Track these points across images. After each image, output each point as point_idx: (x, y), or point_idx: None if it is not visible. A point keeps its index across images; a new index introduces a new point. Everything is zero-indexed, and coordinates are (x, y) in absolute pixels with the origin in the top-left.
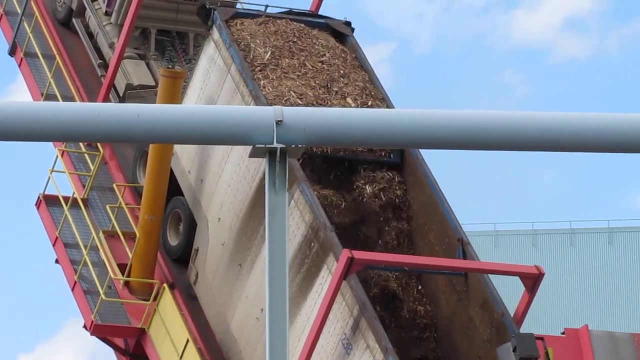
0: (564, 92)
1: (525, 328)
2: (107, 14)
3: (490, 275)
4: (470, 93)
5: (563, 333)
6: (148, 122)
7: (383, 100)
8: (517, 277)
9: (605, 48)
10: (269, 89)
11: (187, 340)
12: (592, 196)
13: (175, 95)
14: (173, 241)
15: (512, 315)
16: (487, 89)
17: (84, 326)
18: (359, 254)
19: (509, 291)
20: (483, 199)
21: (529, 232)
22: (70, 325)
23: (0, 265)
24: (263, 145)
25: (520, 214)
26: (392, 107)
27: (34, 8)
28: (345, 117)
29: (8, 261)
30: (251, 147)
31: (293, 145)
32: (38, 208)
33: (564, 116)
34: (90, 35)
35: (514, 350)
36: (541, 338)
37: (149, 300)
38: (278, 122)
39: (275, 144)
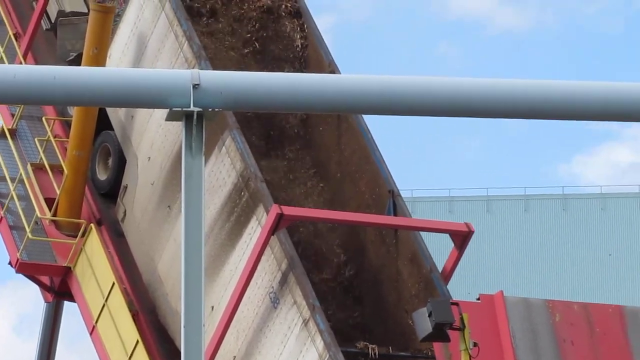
0: (501, 64)
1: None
2: None
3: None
4: (407, 64)
5: (478, 299)
6: (64, 85)
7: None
8: (447, 235)
9: (543, 20)
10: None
11: (113, 284)
12: (509, 164)
13: (106, 30)
14: (102, 175)
15: (440, 271)
16: (423, 60)
17: (9, 263)
18: (288, 210)
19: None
20: (401, 164)
21: (446, 199)
22: (14, 282)
23: None
24: (180, 109)
25: (437, 180)
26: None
27: None
28: (263, 81)
29: None
30: (167, 111)
31: (210, 109)
32: None
33: (477, 82)
34: None
35: (430, 315)
36: (456, 304)
37: (75, 238)
38: (195, 86)
39: (192, 108)
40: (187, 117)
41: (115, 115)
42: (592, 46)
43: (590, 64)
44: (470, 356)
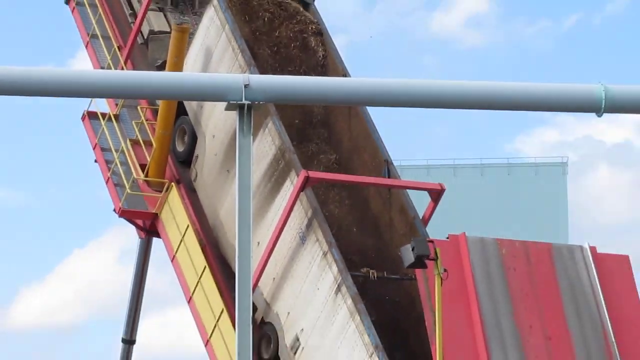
0: (470, 72)
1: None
2: None
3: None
4: (399, 71)
5: (447, 238)
6: (154, 85)
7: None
8: (426, 192)
9: (496, 39)
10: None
11: (188, 226)
12: (470, 142)
13: (183, 44)
14: (180, 148)
15: (421, 217)
16: (411, 69)
17: (114, 210)
18: (313, 174)
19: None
20: (393, 141)
21: (424, 167)
22: (117, 227)
23: (59, 170)
24: (235, 102)
25: (419, 153)
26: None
27: None
28: (295, 82)
29: (64, 166)
30: (226, 103)
31: (256, 102)
32: (83, 121)
33: (448, 83)
34: None
35: (412, 249)
36: (432, 241)
37: (161, 193)
38: (246, 86)
39: (243, 101)
40: (240, 108)
41: (190, 105)
42: (530, 59)
43: (530, 72)
44: (441, 279)
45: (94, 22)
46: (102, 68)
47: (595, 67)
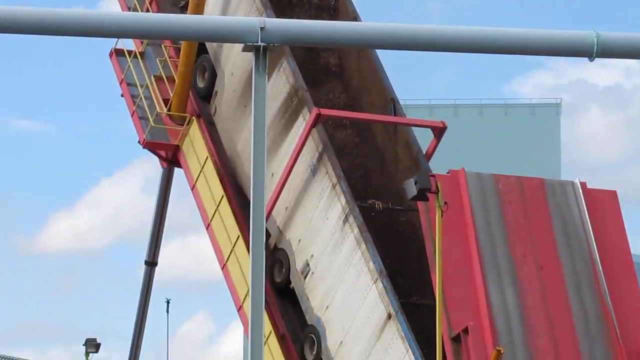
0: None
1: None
2: None
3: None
4: (404, 17)
5: (448, 172)
6: (178, 26)
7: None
8: (429, 129)
9: None
10: None
11: (207, 157)
12: (471, 83)
13: None
14: (200, 84)
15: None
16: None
17: (139, 141)
18: (324, 111)
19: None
20: (399, 80)
21: (427, 106)
22: (142, 158)
23: (89, 104)
24: (251, 44)
25: (422, 93)
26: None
27: None
28: (307, 25)
29: (93, 101)
30: (243, 44)
31: (271, 44)
32: (110, 57)
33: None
34: None
35: (415, 183)
36: (433, 175)
37: (182, 126)
38: (262, 28)
39: (259, 43)
40: (256, 49)
41: (210, 45)
42: (530, 6)
43: (530, 20)
44: (442, 211)
45: None
46: (129, 9)
47: (590, 16)
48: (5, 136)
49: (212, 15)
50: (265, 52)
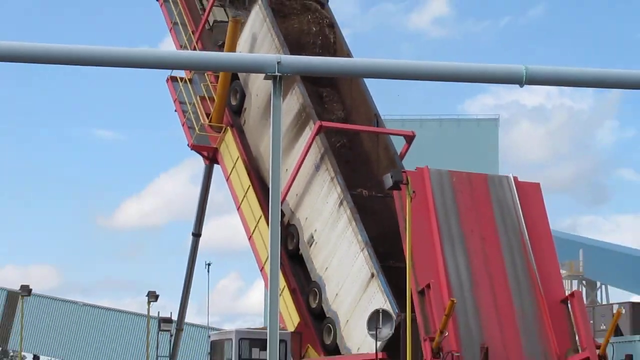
0: (433, 56)
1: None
2: None
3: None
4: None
5: (416, 169)
6: (217, 61)
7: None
8: (402, 137)
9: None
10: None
11: (238, 156)
12: (438, 104)
13: (236, 31)
14: (233, 102)
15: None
16: (391, 54)
17: (188, 145)
18: (325, 123)
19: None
20: (382, 99)
21: (398, 120)
22: (189, 157)
23: (149, 118)
24: (270, 74)
25: (398, 109)
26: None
27: None
28: (314, 61)
29: (152, 117)
30: (264, 74)
31: (286, 75)
32: (167, 82)
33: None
34: None
35: (391, 177)
36: (405, 171)
37: (220, 133)
38: (278, 62)
39: (276, 73)
40: (274, 78)
41: (241, 74)
42: (476, 49)
43: (474, 57)
44: (411, 198)
45: (175, 13)
46: (181, 47)
47: (521, 52)
48: (88, 141)
49: (242, 53)
50: (281, 80)
